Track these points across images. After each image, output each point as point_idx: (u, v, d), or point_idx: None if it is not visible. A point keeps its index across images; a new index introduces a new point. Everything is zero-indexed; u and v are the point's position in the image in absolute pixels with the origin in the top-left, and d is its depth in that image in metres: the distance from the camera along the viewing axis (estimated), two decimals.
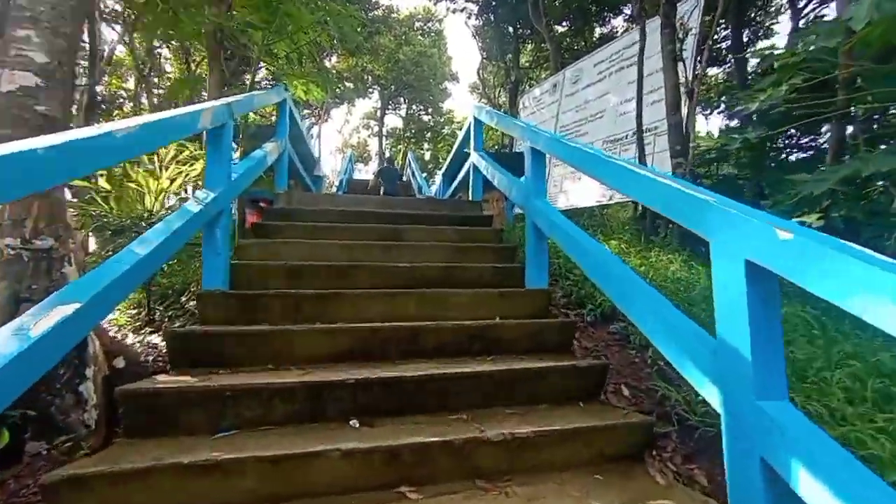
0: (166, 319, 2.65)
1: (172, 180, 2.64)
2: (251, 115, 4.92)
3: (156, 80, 10.17)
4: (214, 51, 3.14)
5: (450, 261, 3.14)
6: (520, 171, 4.40)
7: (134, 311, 2.70)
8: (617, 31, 11.58)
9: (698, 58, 5.43)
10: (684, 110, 5.16)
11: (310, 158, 5.72)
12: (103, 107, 12.48)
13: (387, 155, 22.32)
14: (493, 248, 3.33)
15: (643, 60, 5.00)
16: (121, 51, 10.70)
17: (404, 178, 14.80)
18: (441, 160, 26.87)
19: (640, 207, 6.64)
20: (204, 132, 2.36)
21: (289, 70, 4.68)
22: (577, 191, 6.91)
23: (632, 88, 6.21)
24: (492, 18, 10.37)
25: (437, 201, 4.30)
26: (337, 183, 9.17)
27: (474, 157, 4.38)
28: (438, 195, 7.33)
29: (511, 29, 10.51)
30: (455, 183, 5.41)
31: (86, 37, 4.43)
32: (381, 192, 9.34)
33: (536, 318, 2.54)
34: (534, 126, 2.90)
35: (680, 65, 5.13)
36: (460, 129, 24.34)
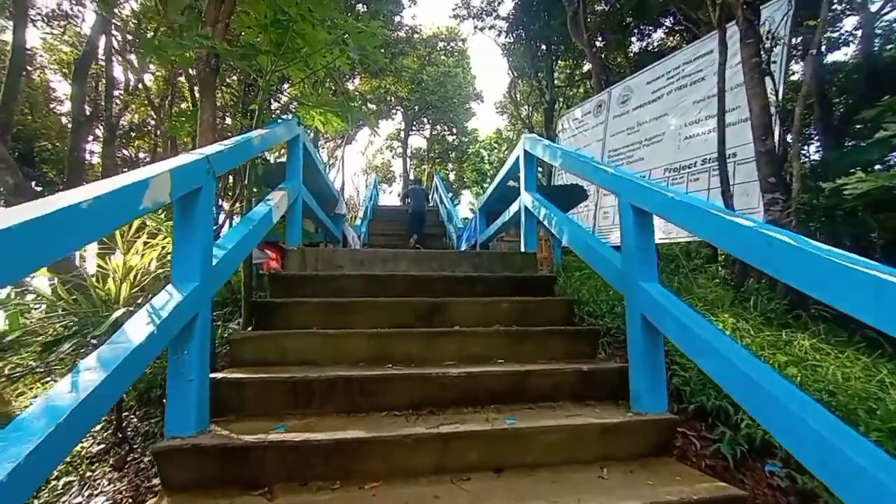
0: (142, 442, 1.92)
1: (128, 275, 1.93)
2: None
3: (175, 109, 9.87)
4: (206, 82, 2.45)
5: (514, 358, 2.32)
6: (566, 207, 3.62)
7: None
8: (656, 46, 10.74)
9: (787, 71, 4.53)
10: (776, 134, 4.24)
11: (329, 196, 5.04)
12: (131, 134, 12.41)
13: (411, 176, 21.85)
14: (567, 332, 2.49)
15: (724, 76, 4.13)
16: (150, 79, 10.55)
17: (430, 204, 14.19)
18: (466, 180, 26.25)
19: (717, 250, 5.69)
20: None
21: (303, 98, 3.99)
22: None
23: (697, 109, 5.35)
24: (523, 35, 9.71)
25: (480, 255, 3.49)
26: (361, 214, 8.51)
27: (526, 199, 3.58)
28: (472, 231, 6.55)
29: (544, 46, 9.81)
30: (499, 224, 4.61)
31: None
32: (409, 213, 8.91)
33: (659, 469, 1.67)
34: (632, 175, 2.08)
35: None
36: (485, 150, 23.81)
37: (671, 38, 10.34)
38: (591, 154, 7.51)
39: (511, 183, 4.88)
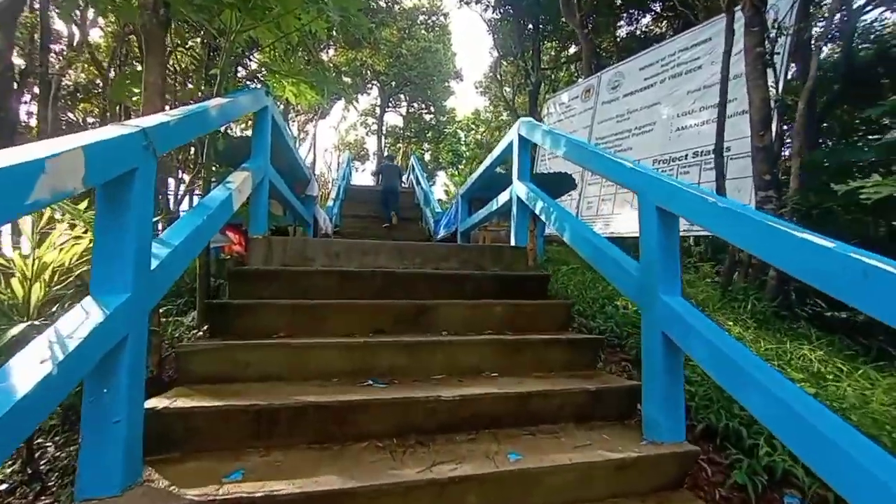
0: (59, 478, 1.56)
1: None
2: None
3: (128, 70, 8.92)
4: (153, 36, 2.00)
5: (508, 370, 2.07)
6: (552, 196, 3.37)
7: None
8: (643, 32, 10.52)
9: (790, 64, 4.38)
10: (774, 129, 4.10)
11: (299, 175, 4.60)
12: (77, 96, 11.21)
13: (386, 153, 21.17)
14: (565, 341, 2.25)
15: (729, 64, 3.93)
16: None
17: (406, 185, 13.68)
18: (442, 161, 25.69)
19: (691, 241, 5.62)
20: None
21: (274, 66, 3.55)
22: (617, 216, 5.86)
23: (691, 99, 5.17)
24: (511, 11, 9.24)
25: (467, 249, 3.20)
26: (333, 194, 8.02)
27: (519, 189, 3.29)
28: (451, 218, 6.24)
29: (532, 25, 9.39)
30: (484, 213, 4.32)
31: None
32: (382, 188, 8.71)
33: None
34: (659, 173, 1.83)
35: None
36: (462, 130, 23.28)
37: (659, 25, 10.14)
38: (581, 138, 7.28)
39: (498, 169, 4.59)
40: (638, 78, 6.01)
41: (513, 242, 3.35)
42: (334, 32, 13.58)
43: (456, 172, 26.46)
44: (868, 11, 7.82)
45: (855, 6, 8.00)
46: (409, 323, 2.31)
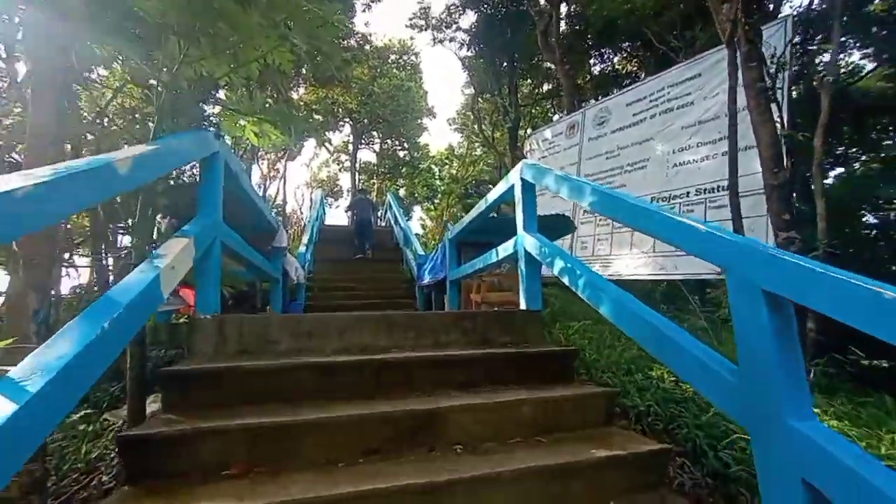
0: None
1: None
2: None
3: None
4: (41, 65, 1.42)
5: None
6: (551, 239, 2.90)
7: None
8: (614, 70, 10.70)
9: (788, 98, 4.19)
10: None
11: (264, 227, 3.98)
12: None
13: (359, 187, 20.67)
14: (627, 459, 1.68)
15: (735, 99, 3.67)
16: None
17: (382, 222, 13.14)
18: (417, 196, 25.40)
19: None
20: None
21: (231, 103, 3.03)
22: (616, 258, 5.47)
23: (687, 135, 4.94)
24: (485, 49, 9.17)
25: (470, 317, 2.63)
26: (306, 239, 7.36)
27: (527, 242, 2.80)
28: (437, 264, 5.70)
29: (506, 62, 9.33)
30: (479, 264, 3.80)
31: None
32: (355, 222, 9.06)
33: None
34: (758, 243, 1.34)
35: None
36: (436, 165, 23.17)
37: (630, 63, 10.32)
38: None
39: (493, 214, 4.13)
40: (626, 114, 5.81)
41: (523, 305, 2.82)
42: (304, 70, 13.28)
43: (432, 207, 26.22)
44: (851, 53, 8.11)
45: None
46: (411, 437, 1.70)
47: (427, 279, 6.27)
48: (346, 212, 11.00)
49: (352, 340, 2.36)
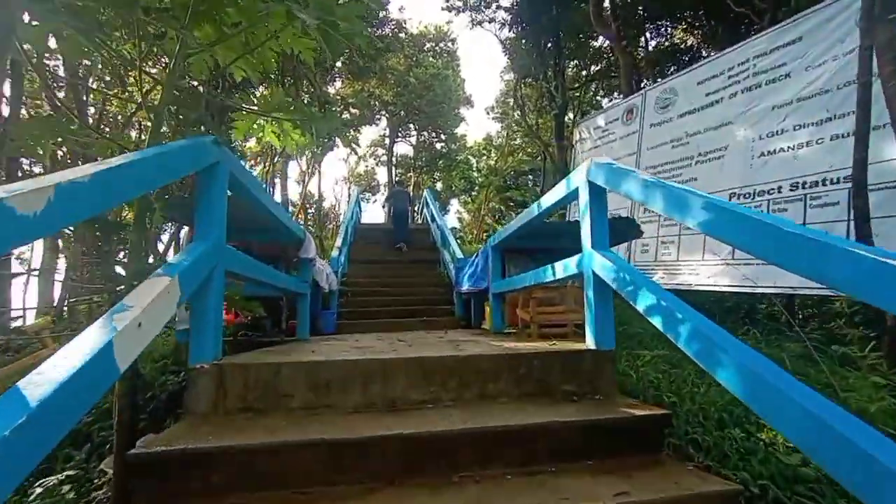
0: None
1: None
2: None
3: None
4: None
5: None
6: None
7: None
8: (673, 45, 9.57)
9: None
10: None
11: (287, 238, 3.60)
12: None
13: (396, 179, 20.49)
14: None
15: (870, 65, 2.86)
16: None
17: (418, 217, 12.77)
18: (454, 188, 24.87)
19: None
20: None
21: (246, 101, 2.63)
22: (686, 264, 4.71)
23: (780, 116, 4.09)
24: (528, 29, 8.40)
25: (526, 358, 2.09)
26: (339, 242, 7.04)
27: (597, 263, 2.22)
28: (478, 270, 5.17)
29: (552, 42, 8.50)
30: (529, 280, 3.25)
31: None
32: (392, 213, 9.33)
33: None
34: None
35: None
36: (474, 156, 22.60)
37: (692, 36, 9.19)
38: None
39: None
40: (697, 94, 4.97)
41: (589, 342, 2.25)
42: (338, 63, 12.98)
43: (469, 200, 25.61)
44: None
45: None
46: None
47: (466, 286, 5.76)
48: (383, 205, 11.34)
49: (378, 393, 1.91)
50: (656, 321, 1.70)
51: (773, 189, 4.02)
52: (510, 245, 4.24)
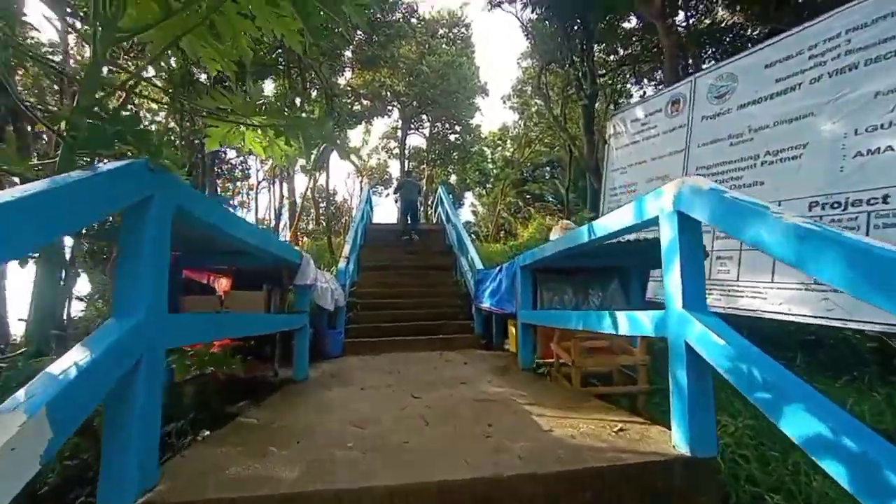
0: None
1: None
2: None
3: None
4: None
5: None
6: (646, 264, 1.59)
7: None
8: (717, 25, 8.59)
9: None
10: None
11: (277, 263, 3.00)
12: None
13: (406, 171, 19.82)
14: None
15: None
16: None
17: (434, 220, 12.18)
18: (468, 181, 24.01)
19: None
20: None
21: (221, 102, 1.98)
22: (748, 285, 3.97)
23: (886, 105, 3.30)
24: (553, 9, 7.53)
25: (590, 479, 1.45)
26: (347, 250, 6.44)
27: (694, 334, 1.54)
28: (503, 290, 4.52)
29: (579, 24, 7.62)
30: (578, 324, 2.59)
31: None
32: (402, 204, 9.31)
33: None
34: None
35: None
36: (488, 147, 21.79)
37: (736, 14, 8.22)
38: (666, 172, 5.43)
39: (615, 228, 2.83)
40: (763, 80, 4.16)
41: (678, 444, 1.58)
42: (347, 53, 12.25)
43: (484, 192, 24.74)
44: None
45: None
46: None
47: (487, 304, 5.12)
48: (393, 194, 11.12)
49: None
50: (784, 425, 1.04)
51: (874, 199, 3.23)
52: (549, 265, 3.57)
